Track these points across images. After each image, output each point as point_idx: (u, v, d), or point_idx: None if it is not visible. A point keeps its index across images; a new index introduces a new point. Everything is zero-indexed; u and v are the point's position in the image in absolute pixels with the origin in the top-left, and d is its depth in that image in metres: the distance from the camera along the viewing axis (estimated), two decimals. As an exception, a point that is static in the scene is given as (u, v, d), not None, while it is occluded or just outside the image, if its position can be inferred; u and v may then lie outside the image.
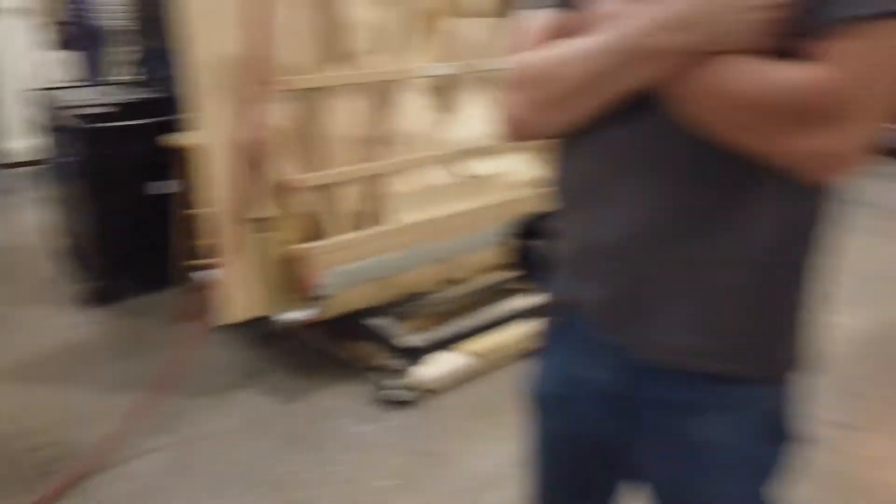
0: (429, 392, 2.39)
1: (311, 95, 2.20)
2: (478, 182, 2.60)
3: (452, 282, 2.66)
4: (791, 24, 0.65)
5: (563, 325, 0.93)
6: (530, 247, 0.93)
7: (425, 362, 2.37)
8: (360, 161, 2.35)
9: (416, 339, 2.35)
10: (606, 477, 0.99)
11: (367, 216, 2.42)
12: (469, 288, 2.63)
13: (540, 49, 0.79)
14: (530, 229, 0.94)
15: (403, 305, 2.57)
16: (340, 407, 2.35)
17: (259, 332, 2.60)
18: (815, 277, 0.80)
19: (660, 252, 0.77)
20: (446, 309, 2.62)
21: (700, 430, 0.83)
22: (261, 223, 2.23)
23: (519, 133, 0.84)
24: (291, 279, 2.29)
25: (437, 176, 2.55)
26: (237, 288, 2.25)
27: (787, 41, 0.65)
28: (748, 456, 0.84)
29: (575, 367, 0.91)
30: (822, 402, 2.38)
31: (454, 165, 2.63)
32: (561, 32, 0.79)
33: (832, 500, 1.95)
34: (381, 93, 2.37)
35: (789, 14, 0.65)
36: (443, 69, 2.30)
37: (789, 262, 0.76)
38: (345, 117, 2.31)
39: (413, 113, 2.43)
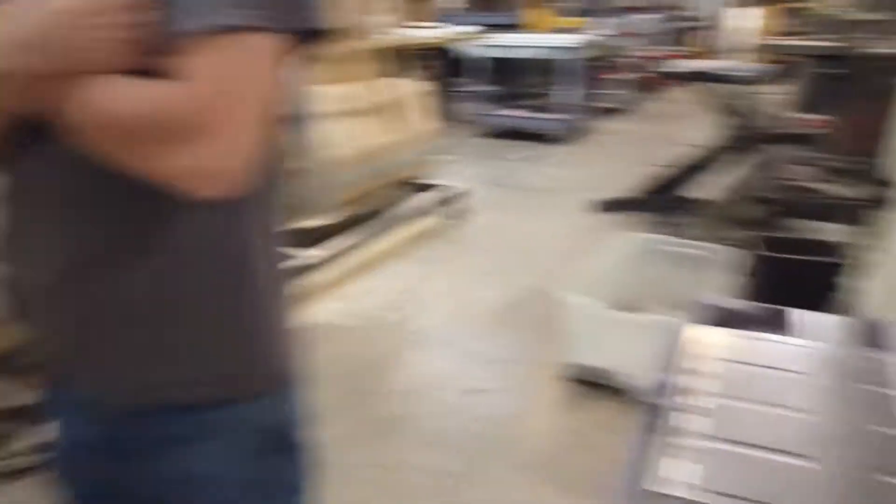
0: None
1: None
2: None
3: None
4: (154, 41, 0.62)
5: (44, 380, 0.83)
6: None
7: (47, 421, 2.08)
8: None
9: (32, 396, 2.04)
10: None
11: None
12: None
13: None
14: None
15: (20, 358, 2.24)
16: (-62, 497, 1.96)
17: None
18: (268, 283, 0.78)
19: (85, 292, 0.70)
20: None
21: (190, 464, 0.78)
22: None
23: None
24: None
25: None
26: None
27: (154, 59, 0.62)
28: (247, 479, 0.81)
29: (60, 425, 0.82)
30: (456, 372, 2.62)
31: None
32: None
33: (472, 462, 2.11)
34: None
35: (147, 32, 0.62)
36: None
37: (230, 277, 0.74)
38: None
39: None
